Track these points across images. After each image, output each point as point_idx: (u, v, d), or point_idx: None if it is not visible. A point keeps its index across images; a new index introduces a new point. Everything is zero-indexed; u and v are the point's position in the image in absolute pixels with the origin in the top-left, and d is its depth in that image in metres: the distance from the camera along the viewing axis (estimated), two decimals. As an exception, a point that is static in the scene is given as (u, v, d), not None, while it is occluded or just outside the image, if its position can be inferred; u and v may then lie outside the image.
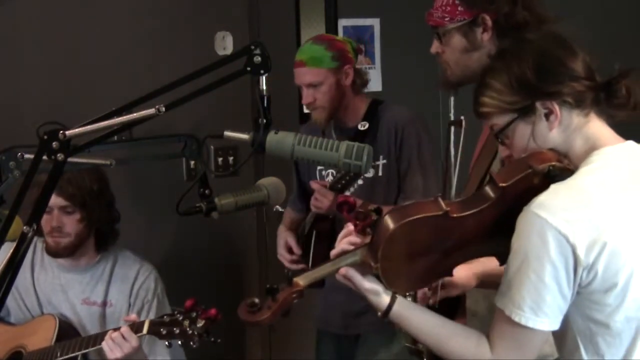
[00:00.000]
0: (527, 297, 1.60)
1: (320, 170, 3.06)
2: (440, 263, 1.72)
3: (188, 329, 2.39)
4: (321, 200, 2.85)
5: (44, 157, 1.53)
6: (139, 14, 3.51)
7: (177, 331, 2.41)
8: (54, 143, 1.52)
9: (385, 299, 1.72)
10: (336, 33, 3.96)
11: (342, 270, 1.72)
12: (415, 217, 1.66)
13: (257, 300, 1.65)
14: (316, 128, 2.95)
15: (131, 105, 1.59)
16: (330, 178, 3.01)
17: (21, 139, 1.64)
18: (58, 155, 1.53)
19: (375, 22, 4.10)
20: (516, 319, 1.61)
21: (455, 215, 1.67)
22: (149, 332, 2.49)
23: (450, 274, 1.78)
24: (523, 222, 1.61)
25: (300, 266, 3.00)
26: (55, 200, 2.72)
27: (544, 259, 1.57)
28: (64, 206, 2.75)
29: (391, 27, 4.09)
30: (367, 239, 1.76)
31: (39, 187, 1.55)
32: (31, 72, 3.34)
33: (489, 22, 2.12)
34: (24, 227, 1.53)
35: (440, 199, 1.70)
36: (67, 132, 1.53)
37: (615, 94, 1.69)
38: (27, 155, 1.59)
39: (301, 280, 1.69)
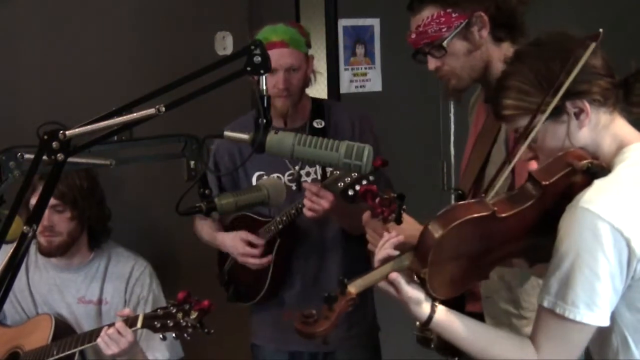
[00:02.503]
0: (582, 293, 1.60)
1: (261, 176, 2.82)
2: (480, 266, 1.72)
3: (182, 321, 2.39)
4: (318, 202, 2.56)
5: (44, 157, 1.53)
6: (139, 14, 3.51)
7: (171, 324, 2.42)
8: (54, 143, 1.52)
9: (426, 308, 1.72)
10: (336, 33, 3.96)
11: (393, 275, 1.69)
12: (463, 219, 1.65)
13: (314, 312, 1.64)
14: (245, 125, 2.67)
15: (131, 105, 1.58)
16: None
17: (21, 139, 1.63)
18: (58, 155, 1.52)
19: (375, 22, 4.10)
20: (571, 317, 1.61)
21: (502, 215, 1.67)
22: (143, 326, 2.48)
23: (487, 277, 1.77)
24: (572, 219, 1.60)
25: (269, 258, 2.77)
26: None
27: (598, 253, 1.58)
28: (54, 205, 2.75)
29: (391, 27, 4.08)
30: (391, 227, 1.75)
31: (33, 188, 1.55)
32: (31, 72, 3.34)
33: (485, 18, 2.14)
34: (24, 227, 1.52)
35: (485, 199, 1.70)
36: (67, 132, 1.53)
37: (633, 91, 1.70)
38: (27, 155, 1.59)
39: (353, 289, 1.68)
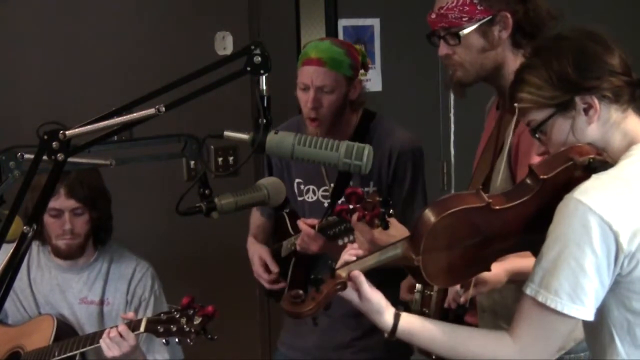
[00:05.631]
0: (566, 283, 1.59)
1: (299, 184, 2.81)
2: (480, 257, 1.72)
3: (185, 327, 2.40)
4: (308, 243, 2.60)
5: (44, 157, 1.53)
6: (139, 14, 3.51)
7: (174, 329, 2.42)
8: (54, 143, 1.52)
9: (388, 317, 1.71)
10: (336, 33, 3.96)
11: (355, 273, 1.68)
12: (457, 208, 1.66)
13: (301, 292, 1.66)
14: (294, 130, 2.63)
15: (131, 105, 1.59)
16: (310, 195, 2.80)
17: (21, 139, 1.64)
18: (58, 155, 1.53)
19: (375, 22, 4.10)
20: (552, 306, 1.60)
21: (497, 207, 1.68)
22: (146, 330, 2.49)
23: (489, 269, 1.76)
24: (564, 208, 1.61)
25: (281, 285, 2.80)
26: (66, 203, 2.72)
27: (586, 246, 1.57)
28: (74, 208, 2.75)
29: (391, 27, 4.09)
30: (376, 232, 1.75)
31: (35, 190, 1.55)
32: (31, 72, 3.35)
33: (510, 21, 2.08)
34: (24, 227, 1.53)
35: (481, 191, 1.71)
36: (67, 132, 1.53)
37: None
38: (27, 155, 1.59)
39: (343, 272, 1.68)
